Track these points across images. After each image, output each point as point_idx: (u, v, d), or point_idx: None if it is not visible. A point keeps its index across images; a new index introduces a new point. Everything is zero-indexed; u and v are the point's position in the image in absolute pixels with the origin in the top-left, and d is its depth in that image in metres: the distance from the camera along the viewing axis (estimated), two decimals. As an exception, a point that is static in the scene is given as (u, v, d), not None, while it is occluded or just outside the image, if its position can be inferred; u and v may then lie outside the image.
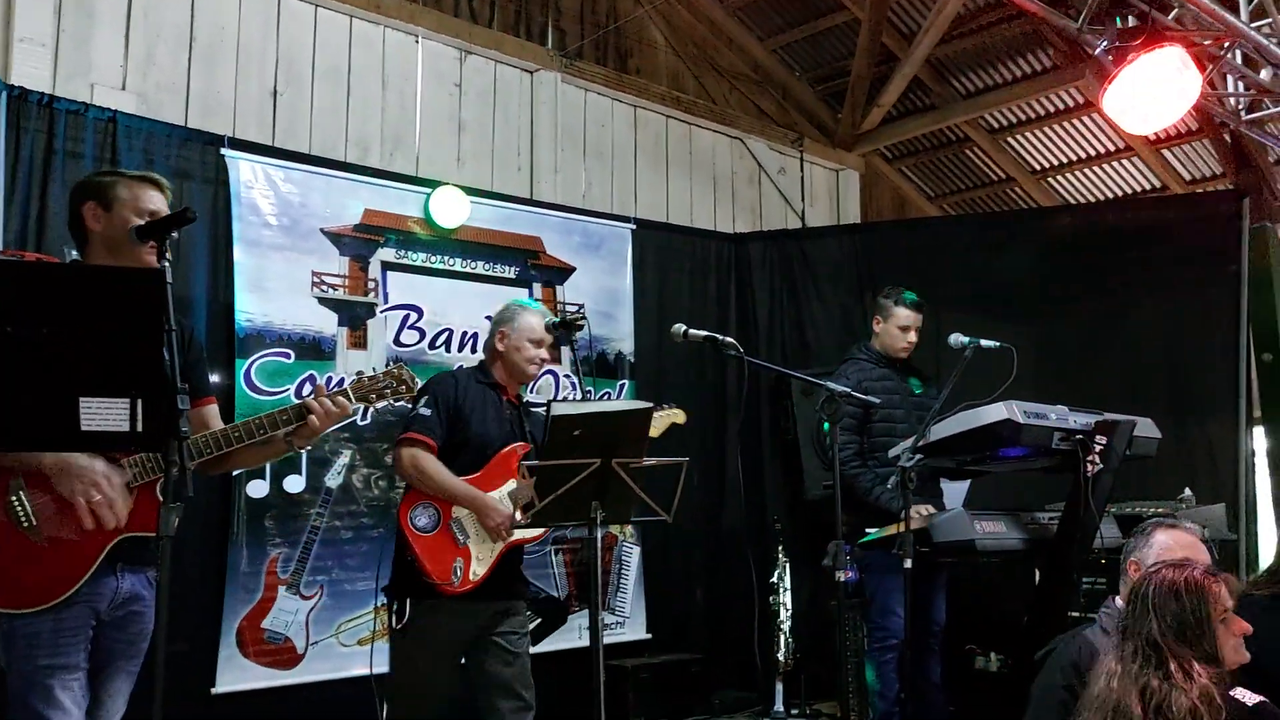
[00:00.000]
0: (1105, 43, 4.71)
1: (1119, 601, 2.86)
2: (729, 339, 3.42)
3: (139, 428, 2.18)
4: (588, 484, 2.85)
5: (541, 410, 3.74)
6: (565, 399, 5.34)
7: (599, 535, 2.94)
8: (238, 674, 4.38)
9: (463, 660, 3.62)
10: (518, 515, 3.47)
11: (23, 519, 2.42)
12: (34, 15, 4.48)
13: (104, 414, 2.16)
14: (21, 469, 2.43)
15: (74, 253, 2.76)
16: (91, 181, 2.67)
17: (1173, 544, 2.84)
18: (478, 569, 3.49)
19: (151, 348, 2.16)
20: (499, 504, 3.52)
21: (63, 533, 2.45)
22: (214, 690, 4.32)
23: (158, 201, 2.64)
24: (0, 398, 2.12)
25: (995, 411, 3.76)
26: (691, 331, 3.44)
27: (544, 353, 3.74)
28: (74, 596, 2.46)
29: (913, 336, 4.62)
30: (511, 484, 3.58)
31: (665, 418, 3.84)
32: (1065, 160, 8.09)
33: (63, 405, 2.14)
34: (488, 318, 4.91)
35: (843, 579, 3.39)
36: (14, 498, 2.42)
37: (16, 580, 2.41)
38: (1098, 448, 3.82)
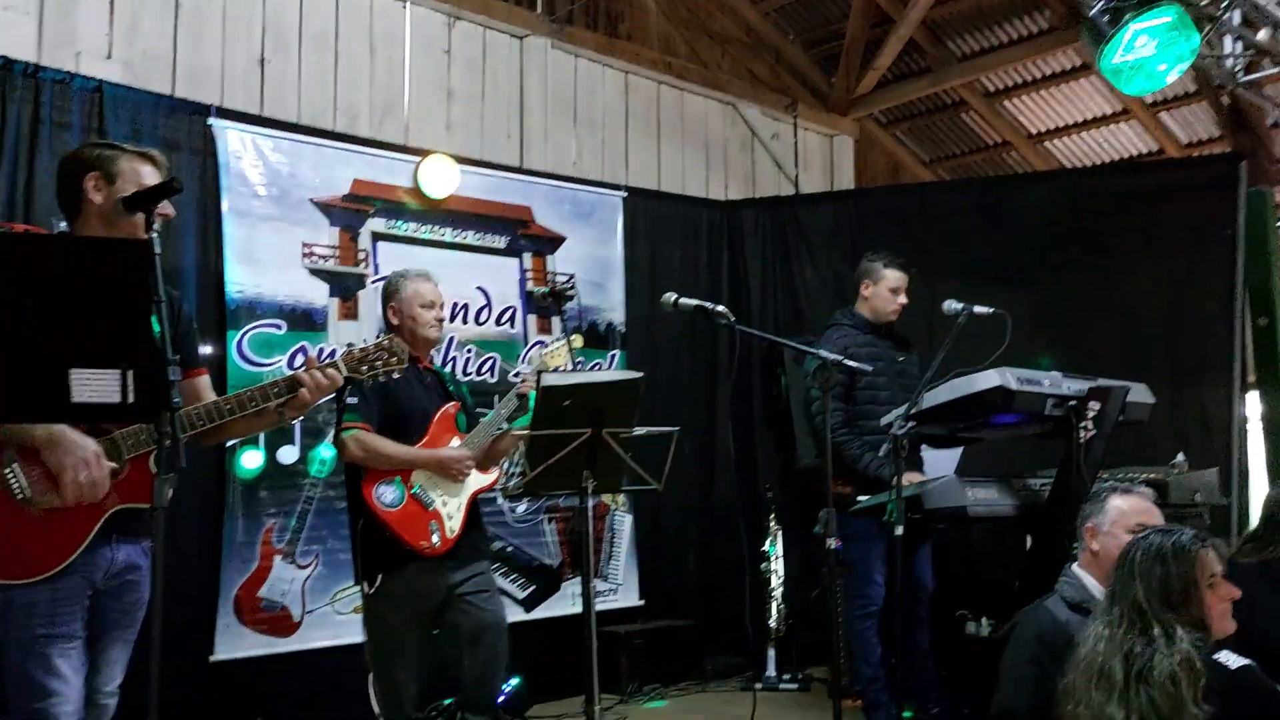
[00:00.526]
0: (1101, 3, 4.67)
1: (1077, 569, 2.92)
2: (720, 308, 3.41)
3: (130, 399, 2.17)
4: (578, 453, 2.87)
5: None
6: (555, 370, 5.34)
7: (590, 504, 2.96)
8: (235, 642, 4.40)
9: (435, 631, 3.71)
10: (470, 456, 3.65)
11: (17, 491, 2.43)
12: (17, -17, 4.43)
13: (94, 385, 2.16)
14: (14, 442, 2.43)
15: (62, 224, 2.75)
16: (93, 154, 2.64)
17: (1127, 508, 2.88)
18: (453, 525, 3.62)
19: (141, 319, 2.15)
20: (452, 450, 3.64)
21: (57, 505, 2.46)
22: (212, 658, 4.34)
23: (156, 178, 2.63)
24: (-11, 370, 2.13)
25: (988, 378, 3.77)
26: (682, 300, 3.43)
27: (438, 312, 3.80)
28: (70, 567, 2.48)
29: (903, 299, 4.60)
30: (455, 441, 3.72)
31: (564, 344, 4.05)
32: (1062, 124, 8.06)
33: (53, 377, 2.14)
34: (479, 288, 4.97)
35: (833, 546, 3.40)
36: (8, 470, 2.43)
37: (12, 551, 2.43)
38: (1090, 414, 3.83)
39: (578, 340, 4.12)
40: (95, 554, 2.53)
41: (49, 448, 2.43)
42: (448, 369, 3.94)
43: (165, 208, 2.63)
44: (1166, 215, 5.45)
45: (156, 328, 2.23)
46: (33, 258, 2.14)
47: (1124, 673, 2.30)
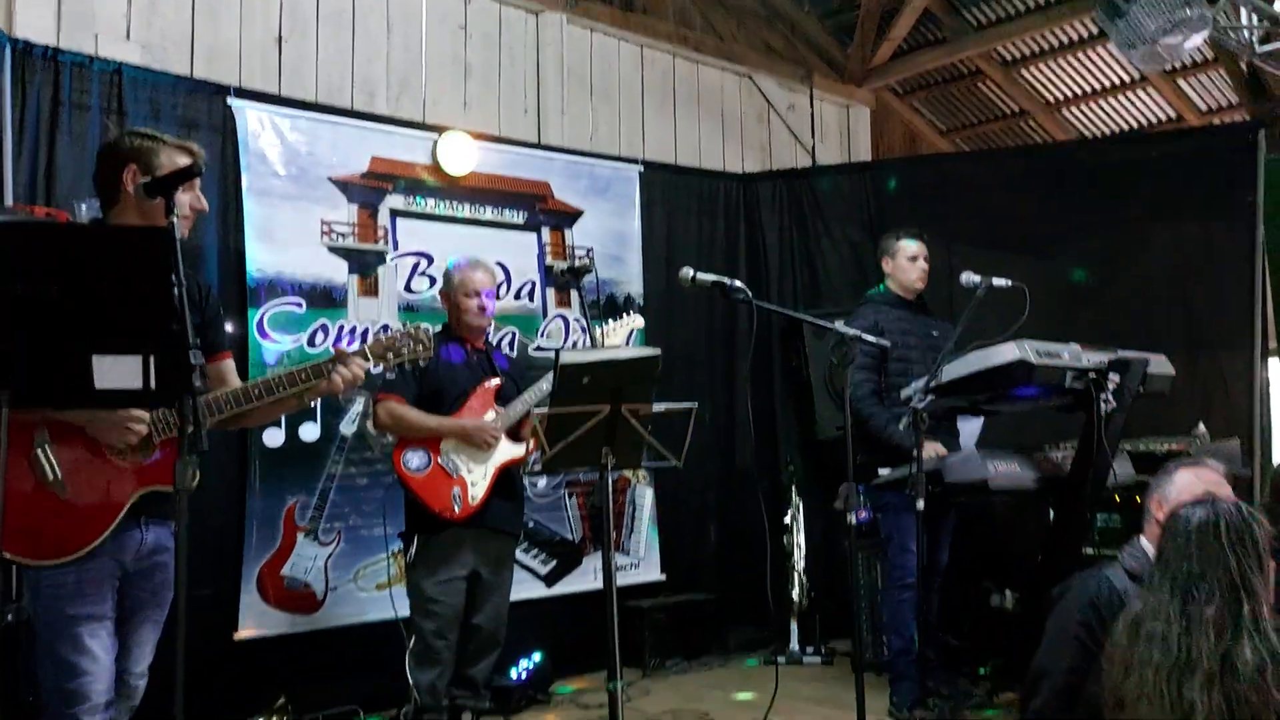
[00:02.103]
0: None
1: (1144, 541, 2.81)
2: (737, 283, 3.40)
3: (151, 384, 2.20)
4: (597, 430, 2.88)
5: (511, 354, 4.36)
6: (574, 345, 5.38)
7: (610, 480, 2.98)
8: (259, 619, 4.45)
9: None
10: (499, 426, 3.93)
11: (48, 471, 2.46)
12: (35, -35, 4.42)
13: (116, 371, 2.19)
14: (46, 421, 2.47)
15: (83, 206, 2.77)
16: (134, 145, 2.65)
17: (1196, 480, 2.79)
18: (475, 493, 3.91)
19: (161, 305, 2.17)
20: (477, 421, 3.93)
21: (86, 485, 2.49)
22: (236, 635, 4.39)
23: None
24: (15, 356, 2.15)
25: (1007, 351, 3.75)
26: (700, 275, 3.43)
27: (481, 300, 4.10)
28: (98, 549, 2.51)
29: (923, 264, 4.60)
30: (491, 414, 4.00)
31: (626, 324, 4.25)
32: (1080, 92, 7.98)
33: (76, 363, 2.17)
34: (498, 263, 4.98)
35: (854, 521, 3.41)
36: (39, 450, 2.46)
37: (42, 532, 2.46)
38: (1111, 386, 3.82)
39: (639, 320, 4.28)
40: (124, 536, 2.56)
41: (89, 423, 2.48)
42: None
43: (198, 201, 2.66)
44: (1186, 183, 5.40)
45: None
46: (55, 245, 2.16)
47: (1210, 658, 2.17)
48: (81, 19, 4.55)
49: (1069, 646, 2.68)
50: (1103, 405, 3.78)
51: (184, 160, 2.64)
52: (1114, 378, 3.81)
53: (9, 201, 3.87)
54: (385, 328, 4.76)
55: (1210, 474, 2.85)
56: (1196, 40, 4.91)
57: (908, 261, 4.59)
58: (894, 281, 4.64)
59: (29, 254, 2.10)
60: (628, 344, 4.16)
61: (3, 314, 2.09)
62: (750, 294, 3.45)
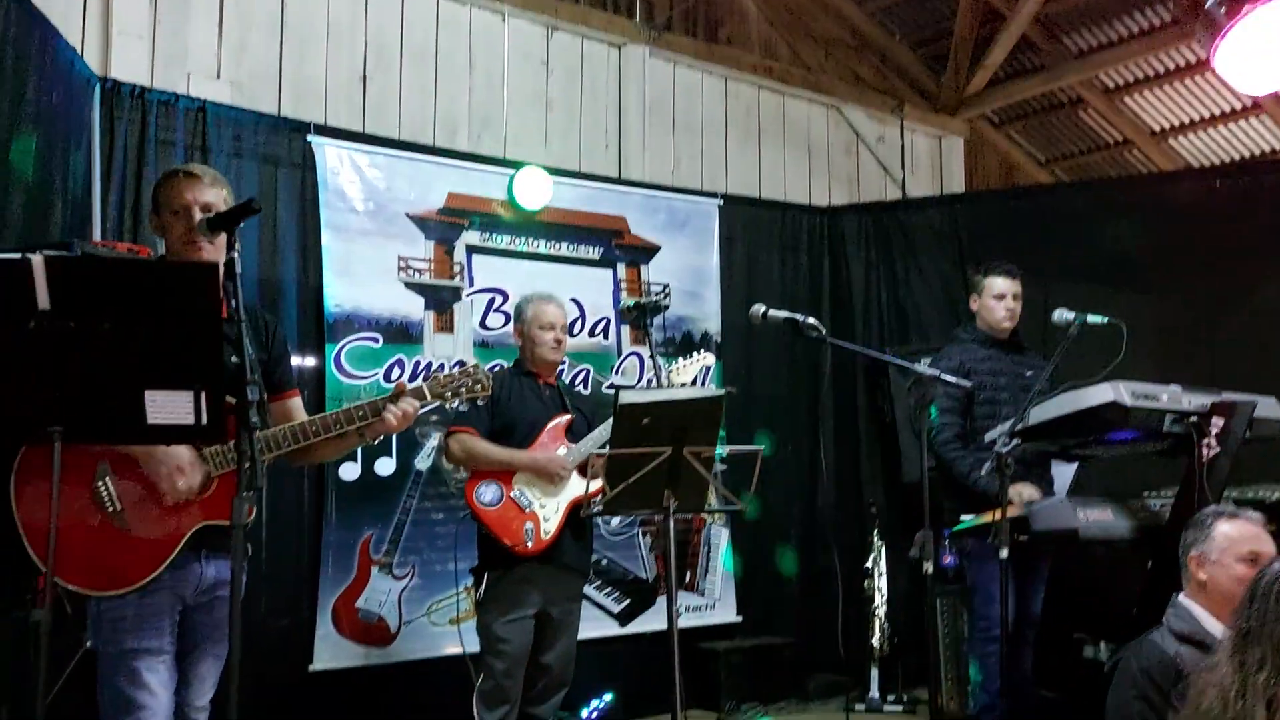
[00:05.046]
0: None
1: (1184, 600, 2.74)
2: (811, 320, 3.30)
3: (203, 420, 2.21)
4: (659, 472, 2.79)
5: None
6: (647, 383, 5.32)
7: (671, 524, 2.88)
8: (334, 652, 4.46)
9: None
10: (570, 461, 3.89)
11: (108, 503, 2.48)
12: (131, 8, 4.57)
13: (168, 407, 2.20)
14: (108, 454, 2.49)
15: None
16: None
17: (1236, 535, 2.71)
18: (548, 528, 3.86)
19: (211, 341, 2.17)
20: (549, 454, 3.91)
21: (146, 518, 2.50)
22: (311, 667, 4.41)
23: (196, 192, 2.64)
24: (69, 391, 2.17)
25: (1100, 393, 3.53)
26: (771, 312, 3.33)
27: (557, 334, 4.08)
28: (157, 581, 2.52)
29: (1010, 304, 4.37)
30: (562, 449, 3.96)
31: (696, 363, 4.16)
32: (1187, 120, 7.65)
33: (129, 398, 2.18)
34: (573, 300, 4.95)
35: (928, 570, 3.25)
36: (100, 483, 2.49)
37: (102, 563, 2.48)
38: (1214, 430, 3.58)
39: (709, 358, 4.20)
40: (185, 569, 2.57)
41: (145, 458, 2.49)
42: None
43: None
44: (1299, 215, 5.11)
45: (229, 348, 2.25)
46: (109, 280, 2.17)
47: None
48: (174, 59, 4.69)
49: None
50: (1205, 450, 3.54)
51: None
52: (1217, 421, 3.57)
53: (97, 236, 3.99)
54: (459, 364, 4.76)
55: (1251, 527, 2.74)
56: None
57: (993, 300, 4.37)
58: (981, 320, 4.45)
59: (80, 288, 2.11)
60: (700, 384, 4.05)
61: (56, 349, 2.11)
62: (824, 331, 3.34)
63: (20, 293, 2.06)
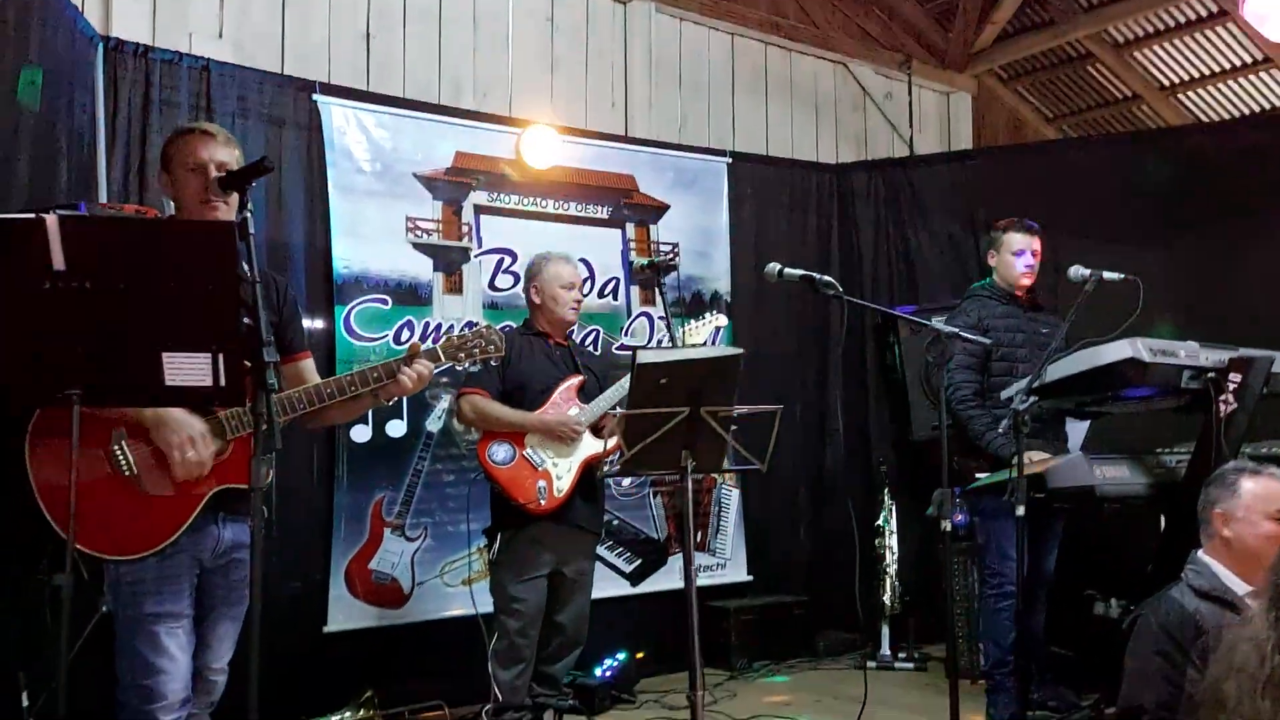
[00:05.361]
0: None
1: (1204, 557, 2.72)
2: (827, 278, 3.26)
3: (221, 382, 2.19)
4: (676, 432, 2.77)
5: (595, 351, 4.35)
6: (658, 343, 5.29)
7: (689, 484, 2.87)
8: (348, 613, 4.47)
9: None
10: (583, 421, 3.92)
11: (125, 468, 2.47)
12: (131, -33, 4.50)
13: (186, 369, 2.17)
14: (123, 420, 2.47)
15: (172, 205, 2.78)
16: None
17: (1263, 492, 2.68)
18: (560, 486, 3.89)
19: (228, 302, 2.15)
20: (561, 415, 3.92)
21: (162, 483, 2.49)
22: (325, 629, 4.42)
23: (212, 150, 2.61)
24: (87, 353, 2.15)
25: (1118, 349, 3.52)
26: (787, 270, 3.29)
27: (576, 294, 4.09)
28: (175, 545, 2.52)
29: (1029, 260, 4.34)
30: (574, 409, 3.98)
31: (709, 323, 4.23)
32: (1198, 74, 7.55)
33: (147, 360, 2.15)
34: (582, 260, 4.92)
35: (948, 528, 3.24)
36: (116, 447, 2.47)
37: (120, 527, 2.47)
38: (1232, 386, 3.56)
39: (722, 319, 4.27)
40: (202, 532, 2.57)
41: (156, 427, 2.48)
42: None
43: None
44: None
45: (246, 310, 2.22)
46: (125, 241, 2.14)
47: None
48: (175, 19, 4.62)
49: (1153, 679, 2.58)
50: (1222, 406, 3.52)
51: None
52: (1235, 377, 3.55)
53: (103, 198, 3.94)
54: (470, 324, 4.74)
55: (1276, 484, 2.72)
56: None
57: (1012, 256, 4.34)
58: (999, 275, 4.41)
59: (96, 249, 2.08)
60: (712, 343, 4.04)
61: (72, 311, 2.08)
62: (841, 289, 3.30)
63: (35, 253, 2.03)
